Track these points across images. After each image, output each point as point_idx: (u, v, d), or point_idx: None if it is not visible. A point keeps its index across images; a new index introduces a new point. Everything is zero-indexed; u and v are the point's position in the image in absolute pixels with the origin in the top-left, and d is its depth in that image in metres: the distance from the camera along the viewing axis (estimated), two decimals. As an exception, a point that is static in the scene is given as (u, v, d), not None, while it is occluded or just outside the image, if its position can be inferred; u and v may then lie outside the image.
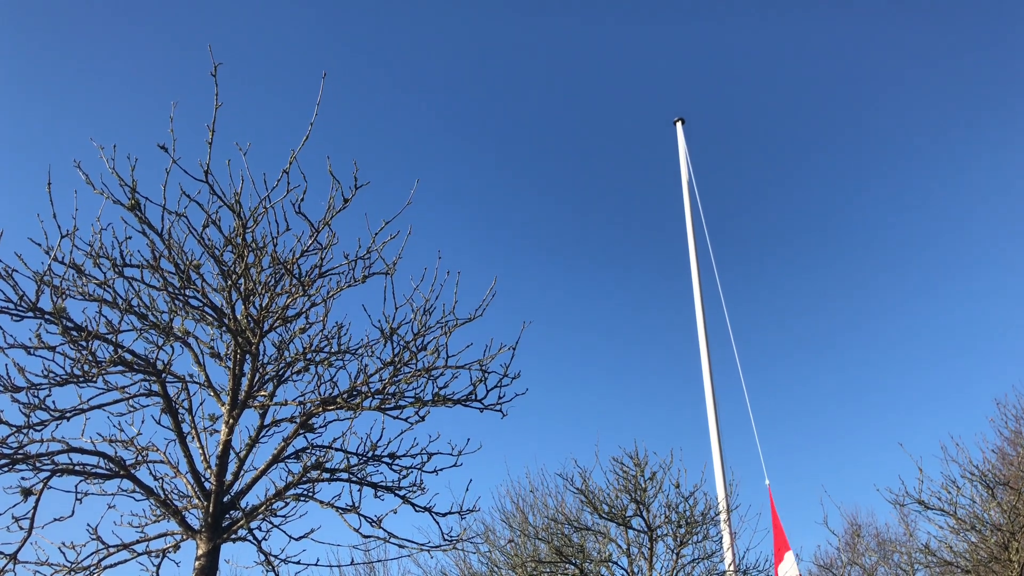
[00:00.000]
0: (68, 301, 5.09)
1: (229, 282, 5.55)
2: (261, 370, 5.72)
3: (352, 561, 6.79)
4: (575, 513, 12.67)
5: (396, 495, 5.94)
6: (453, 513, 6.11)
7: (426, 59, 42.49)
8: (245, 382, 5.68)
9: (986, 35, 38.80)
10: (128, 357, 5.24)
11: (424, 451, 6.00)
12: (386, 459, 5.94)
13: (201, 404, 5.84)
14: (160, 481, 5.63)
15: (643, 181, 44.59)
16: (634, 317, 41.93)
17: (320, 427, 5.87)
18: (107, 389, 5.40)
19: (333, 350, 5.84)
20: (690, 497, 10.41)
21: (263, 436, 5.75)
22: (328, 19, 40.61)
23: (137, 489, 5.41)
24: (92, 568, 5.26)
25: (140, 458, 5.62)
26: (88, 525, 5.30)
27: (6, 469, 4.88)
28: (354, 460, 5.86)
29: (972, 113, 39.54)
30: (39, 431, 5.05)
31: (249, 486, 5.54)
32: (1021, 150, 36.20)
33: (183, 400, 5.70)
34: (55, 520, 5.26)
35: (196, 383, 5.77)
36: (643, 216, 44.24)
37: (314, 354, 5.80)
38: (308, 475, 5.66)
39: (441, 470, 6.08)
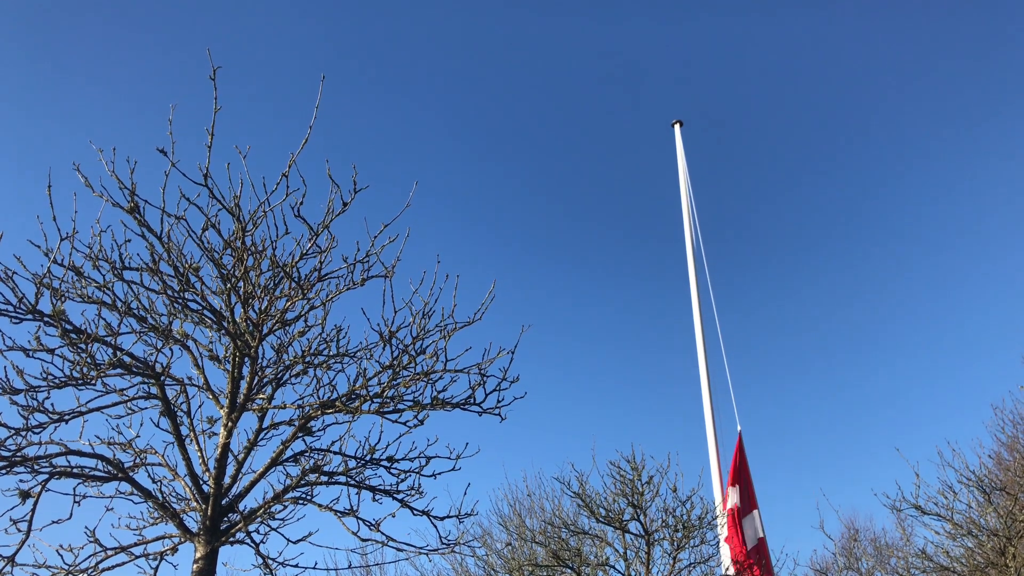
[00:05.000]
0: (67, 303, 5.10)
1: (228, 285, 5.56)
2: (260, 373, 5.73)
3: (350, 564, 6.83)
4: (572, 517, 12.65)
5: (394, 498, 5.94)
6: (451, 517, 6.12)
7: (425, 62, 42.56)
8: (244, 385, 5.68)
9: (988, 34, 38.94)
10: (127, 360, 5.23)
11: (422, 455, 6.00)
12: (384, 462, 5.93)
13: (200, 407, 5.84)
14: (158, 484, 5.62)
15: (641, 184, 44.66)
16: (632, 321, 41.99)
17: (319, 430, 5.86)
18: (106, 392, 5.39)
19: (332, 353, 5.84)
20: (687, 501, 10.39)
21: (262, 439, 5.76)
22: (327, 22, 40.67)
23: (135, 492, 5.41)
24: (90, 570, 5.24)
25: (138, 461, 5.61)
26: (86, 527, 5.29)
27: (4, 471, 4.87)
28: (352, 463, 5.86)
29: (970, 118, 39.66)
30: (37, 433, 5.04)
31: (247, 489, 5.54)
32: (1020, 154, 36.33)
33: (182, 403, 5.70)
34: (53, 522, 5.24)
35: (195, 386, 5.77)
36: (641, 219, 44.32)
37: (313, 357, 5.81)
38: (306, 478, 5.66)
39: (439, 474, 6.08)
